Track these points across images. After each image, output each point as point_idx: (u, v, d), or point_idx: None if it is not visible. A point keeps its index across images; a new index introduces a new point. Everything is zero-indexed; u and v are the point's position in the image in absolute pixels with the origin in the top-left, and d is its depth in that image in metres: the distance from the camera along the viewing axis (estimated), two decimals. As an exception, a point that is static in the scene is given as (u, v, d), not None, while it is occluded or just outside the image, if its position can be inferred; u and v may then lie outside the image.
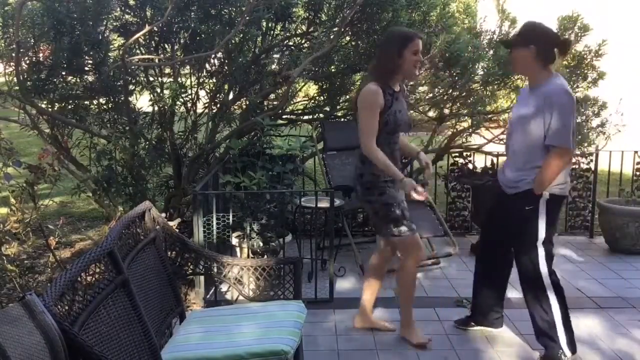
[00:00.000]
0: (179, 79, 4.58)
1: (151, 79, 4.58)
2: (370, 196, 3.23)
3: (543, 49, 2.97)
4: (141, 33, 4.04)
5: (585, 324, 3.66)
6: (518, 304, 3.96)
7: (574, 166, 5.44)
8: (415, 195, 3.06)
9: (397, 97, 3.18)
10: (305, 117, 5.47)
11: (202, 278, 3.85)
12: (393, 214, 3.20)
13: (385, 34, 3.31)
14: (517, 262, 3.22)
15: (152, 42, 4.48)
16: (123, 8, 4.45)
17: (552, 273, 3.13)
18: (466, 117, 5.54)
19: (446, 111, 5.53)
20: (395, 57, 3.09)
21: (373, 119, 3.08)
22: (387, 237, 3.32)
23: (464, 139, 5.66)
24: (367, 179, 3.22)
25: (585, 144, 5.10)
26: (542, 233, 3.07)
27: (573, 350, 3.12)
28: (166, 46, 4.54)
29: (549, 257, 3.12)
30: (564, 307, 3.13)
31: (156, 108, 4.58)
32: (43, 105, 4.36)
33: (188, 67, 4.72)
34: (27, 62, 4.25)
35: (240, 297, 3.12)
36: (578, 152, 5.29)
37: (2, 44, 4.30)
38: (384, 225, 3.25)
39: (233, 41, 4.32)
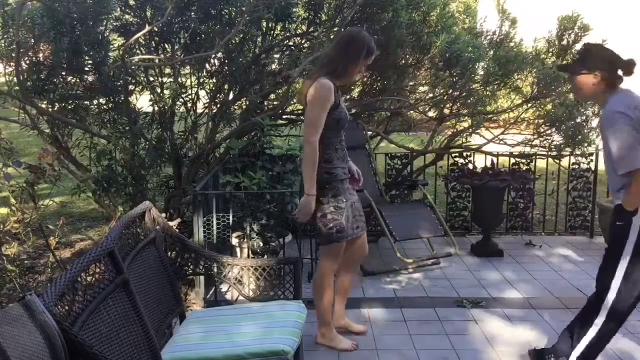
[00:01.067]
0: (179, 79, 4.58)
1: (151, 79, 4.58)
2: (322, 197, 3.10)
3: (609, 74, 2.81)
4: (141, 33, 4.04)
5: (585, 324, 3.65)
6: (519, 304, 3.97)
7: (574, 166, 5.45)
8: (298, 216, 3.09)
9: (340, 94, 3.18)
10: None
11: (202, 278, 3.85)
12: (339, 218, 3.11)
13: (348, 35, 3.17)
14: None
15: (152, 42, 4.48)
16: (123, 8, 4.45)
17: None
18: (466, 117, 5.54)
19: (446, 111, 5.53)
20: (353, 62, 3.07)
21: (323, 115, 3.02)
22: (323, 243, 3.20)
23: (464, 139, 5.66)
24: (320, 178, 3.08)
25: (585, 144, 5.09)
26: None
27: None
28: (166, 46, 4.54)
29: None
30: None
31: (156, 108, 4.58)
32: (43, 105, 4.36)
33: (188, 67, 4.71)
34: (27, 62, 4.26)
35: (240, 297, 3.12)
36: (578, 152, 5.30)
37: (2, 44, 4.30)
38: (327, 228, 3.12)
39: (233, 41, 4.32)
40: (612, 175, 2.82)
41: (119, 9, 4.43)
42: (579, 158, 5.39)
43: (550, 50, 5.40)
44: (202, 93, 4.81)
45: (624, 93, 2.81)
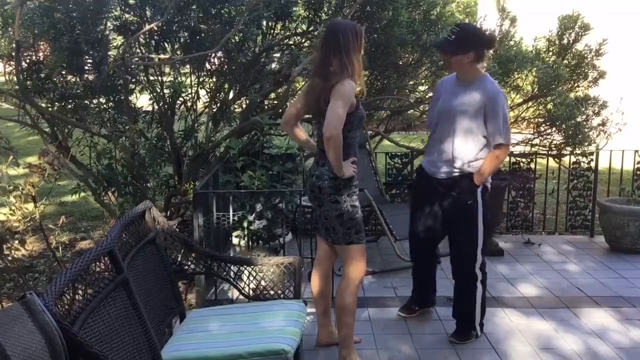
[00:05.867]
0: (179, 78, 4.58)
1: (151, 78, 4.57)
2: (339, 196, 2.98)
3: (480, 52, 3.26)
4: (141, 32, 4.03)
5: (585, 323, 3.66)
6: (519, 304, 3.97)
7: (574, 165, 5.45)
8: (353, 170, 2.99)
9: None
10: (305, 116, 5.45)
11: (202, 277, 3.84)
12: (357, 218, 3.03)
13: (337, 26, 2.98)
14: None
15: (152, 41, 4.48)
16: (123, 7, 4.45)
17: None
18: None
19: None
20: (359, 52, 2.94)
21: (345, 113, 2.86)
22: (341, 243, 3.06)
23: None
24: (341, 181, 2.98)
25: (586, 144, 5.09)
26: None
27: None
28: (166, 45, 4.54)
29: None
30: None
31: (156, 107, 4.57)
32: (43, 105, 4.36)
33: (188, 66, 4.71)
34: (27, 61, 4.25)
35: (241, 297, 3.11)
36: (579, 152, 5.29)
37: (2, 43, 4.30)
38: (344, 230, 3.02)
39: (233, 40, 4.31)
40: (469, 145, 3.25)
41: (118, 8, 4.42)
42: (580, 157, 5.39)
43: (551, 49, 5.40)
44: (202, 92, 4.80)
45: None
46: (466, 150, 3.27)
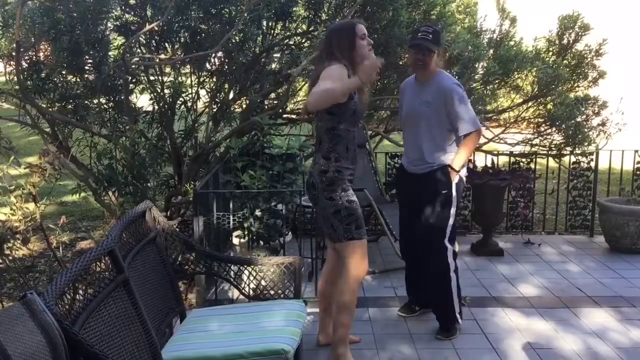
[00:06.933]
0: (180, 78, 4.58)
1: (151, 78, 4.57)
2: (332, 193, 2.95)
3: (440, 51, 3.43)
4: (141, 32, 4.04)
5: (585, 323, 3.66)
6: (519, 303, 3.97)
7: (574, 165, 5.45)
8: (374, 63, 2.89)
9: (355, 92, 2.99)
10: (306, 116, 5.46)
11: (202, 277, 3.84)
12: (357, 213, 2.99)
13: (329, 32, 2.99)
14: None
15: (153, 41, 4.48)
16: (123, 7, 4.45)
17: None
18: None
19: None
20: (351, 49, 2.88)
21: (333, 86, 2.71)
22: (341, 240, 3.00)
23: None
24: (331, 175, 2.95)
25: (586, 144, 5.09)
26: None
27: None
28: (166, 45, 4.54)
29: None
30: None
31: (156, 107, 4.57)
32: (43, 105, 4.36)
33: (188, 66, 4.71)
34: (27, 61, 4.25)
35: (241, 297, 3.12)
36: (578, 151, 5.29)
37: (3, 43, 4.30)
38: (344, 226, 2.97)
39: (233, 40, 4.32)
40: (437, 141, 3.37)
41: (119, 8, 4.43)
42: (580, 157, 5.39)
43: (551, 49, 5.40)
44: (202, 92, 4.81)
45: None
46: (435, 145, 3.40)
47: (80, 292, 1.90)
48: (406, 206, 3.65)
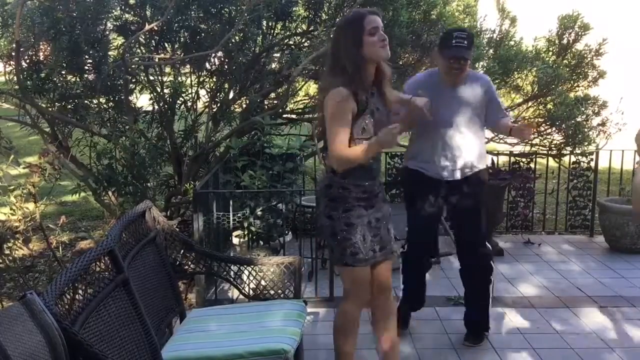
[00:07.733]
0: (179, 78, 4.58)
1: (151, 78, 4.58)
2: (333, 211, 2.62)
3: None
4: (141, 32, 4.04)
5: (585, 323, 3.66)
6: (519, 303, 3.97)
7: (574, 165, 5.44)
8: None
9: (372, 93, 2.66)
10: (306, 116, 5.46)
11: (202, 277, 3.84)
12: (354, 238, 2.60)
13: (337, 25, 2.73)
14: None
15: (152, 41, 4.48)
16: (123, 7, 4.45)
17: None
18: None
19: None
20: (357, 48, 2.51)
21: (342, 124, 2.52)
22: (337, 264, 2.77)
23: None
24: (334, 192, 2.61)
25: (586, 143, 5.09)
26: None
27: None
28: (166, 45, 4.54)
29: None
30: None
31: (156, 107, 4.57)
32: (43, 105, 4.36)
33: (188, 66, 4.71)
34: (27, 61, 4.25)
35: (241, 296, 3.12)
36: (578, 151, 5.29)
37: (2, 43, 4.30)
38: (340, 249, 2.64)
39: (233, 40, 4.32)
40: (478, 143, 3.31)
41: (118, 8, 4.43)
42: (580, 157, 5.39)
43: (551, 49, 5.40)
44: (202, 92, 4.81)
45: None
46: (475, 149, 3.31)
47: (80, 292, 1.89)
48: (423, 212, 3.39)
